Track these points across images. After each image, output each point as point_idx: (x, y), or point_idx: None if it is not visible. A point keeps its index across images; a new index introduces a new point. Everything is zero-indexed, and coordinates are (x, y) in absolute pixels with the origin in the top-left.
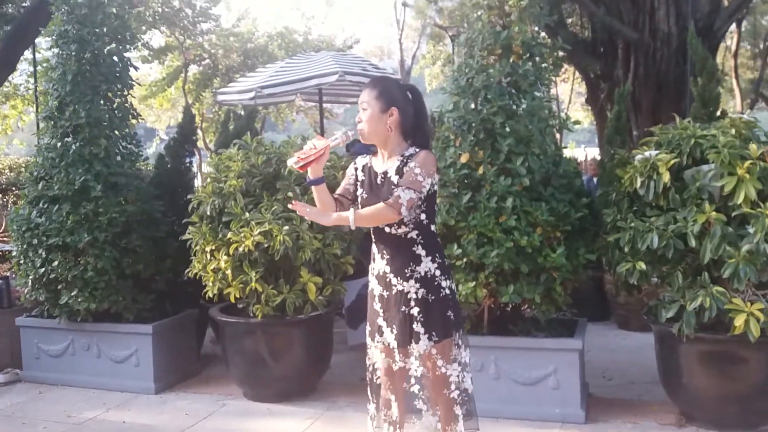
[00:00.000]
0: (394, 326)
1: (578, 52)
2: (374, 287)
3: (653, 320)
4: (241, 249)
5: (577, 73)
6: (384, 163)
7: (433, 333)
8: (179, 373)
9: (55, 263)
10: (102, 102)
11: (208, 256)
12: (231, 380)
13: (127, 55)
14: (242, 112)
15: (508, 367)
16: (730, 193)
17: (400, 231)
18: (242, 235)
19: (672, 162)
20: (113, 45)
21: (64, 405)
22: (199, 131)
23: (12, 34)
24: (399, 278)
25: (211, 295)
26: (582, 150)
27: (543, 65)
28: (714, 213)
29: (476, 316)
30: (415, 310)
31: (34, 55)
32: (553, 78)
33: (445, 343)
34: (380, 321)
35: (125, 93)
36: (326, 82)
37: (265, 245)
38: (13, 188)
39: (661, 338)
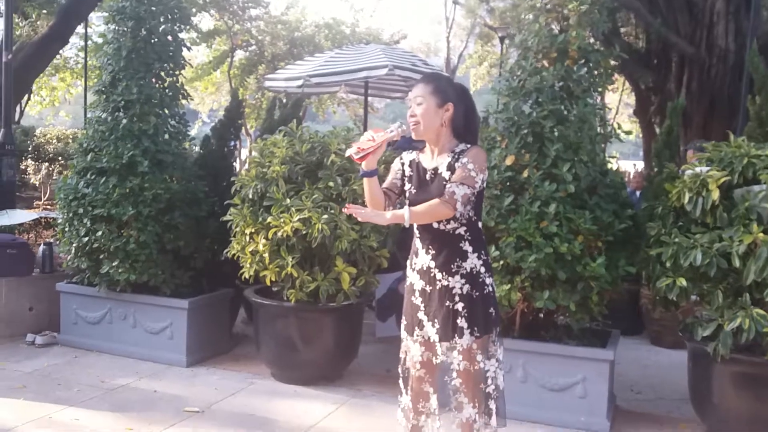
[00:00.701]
0: (436, 321)
1: (631, 63)
2: (415, 282)
3: (689, 337)
4: (279, 234)
5: (626, 84)
6: (433, 160)
7: (476, 328)
8: (211, 349)
9: (99, 233)
10: (154, 80)
11: (247, 238)
12: (260, 360)
13: (180, 35)
14: (285, 100)
15: (537, 372)
16: None
17: (448, 227)
18: (282, 220)
19: (722, 180)
20: (168, 24)
21: (98, 370)
22: None
23: (66, 8)
24: (444, 273)
25: (247, 276)
26: (614, 162)
27: (597, 72)
28: (761, 234)
29: (508, 319)
30: (459, 306)
31: (86, 29)
32: (608, 87)
33: (485, 338)
34: (420, 315)
35: (177, 72)
36: (375, 75)
37: (303, 232)
38: (59, 158)
39: (695, 356)
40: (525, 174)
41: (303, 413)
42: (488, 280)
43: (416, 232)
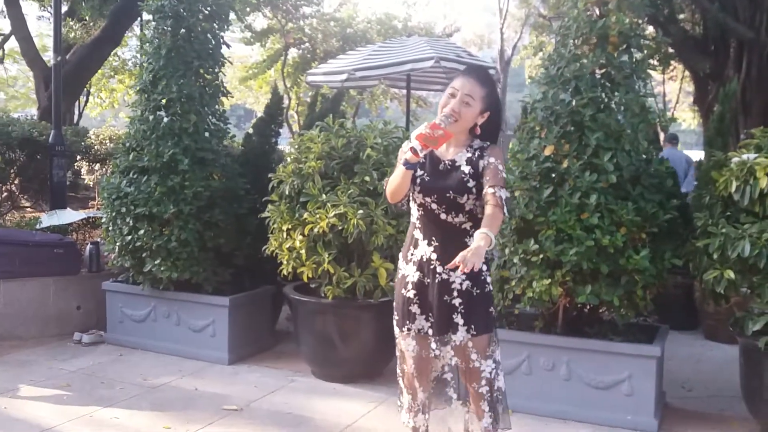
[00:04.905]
0: (430, 314)
1: (688, 49)
2: (409, 274)
3: (739, 332)
4: (315, 230)
5: (686, 72)
6: (448, 151)
7: (473, 326)
8: (252, 347)
9: (141, 232)
10: (194, 78)
11: (285, 234)
12: (301, 358)
13: (221, 33)
14: (330, 95)
15: (581, 370)
16: None
17: (456, 220)
18: (318, 216)
19: None
20: (207, 22)
21: (141, 368)
22: (294, 114)
23: (117, 9)
24: (445, 267)
25: (285, 273)
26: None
27: (641, 58)
28: None
29: (550, 315)
30: (456, 301)
31: (141, 30)
32: (661, 74)
33: (483, 337)
34: (414, 308)
35: (217, 70)
36: (421, 67)
37: (339, 228)
38: (111, 158)
39: (746, 351)
40: (564, 164)
41: (341, 412)
42: (489, 279)
43: (417, 223)
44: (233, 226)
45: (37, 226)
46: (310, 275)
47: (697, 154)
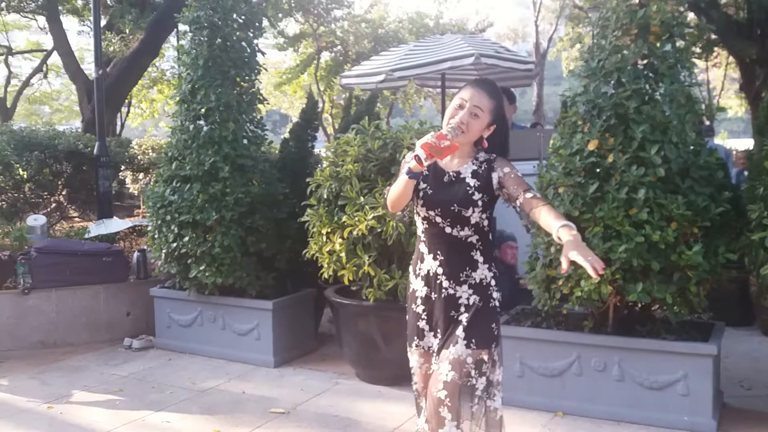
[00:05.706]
0: (438, 330)
1: (731, 35)
2: (417, 288)
3: None
4: (355, 233)
5: (730, 58)
6: (452, 162)
7: (473, 341)
8: (297, 349)
9: (186, 239)
10: (231, 86)
11: (324, 238)
12: (345, 360)
13: (255, 41)
14: (364, 97)
15: (634, 370)
16: None
17: (462, 233)
18: (356, 218)
19: None
20: (242, 31)
21: (190, 372)
22: (328, 117)
23: (155, 21)
24: (452, 281)
25: (326, 276)
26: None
27: (684, 47)
28: None
29: (600, 315)
30: (463, 316)
31: (178, 40)
32: (704, 62)
33: (482, 353)
34: (422, 324)
35: (253, 78)
36: (461, 64)
37: (379, 230)
38: (154, 167)
39: None
40: (610, 159)
41: (387, 415)
42: (496, 294)
43: (422, 236)
44: (274, 231)
45: (86, 236)
46: (351, 278)
47: (745, 143)
